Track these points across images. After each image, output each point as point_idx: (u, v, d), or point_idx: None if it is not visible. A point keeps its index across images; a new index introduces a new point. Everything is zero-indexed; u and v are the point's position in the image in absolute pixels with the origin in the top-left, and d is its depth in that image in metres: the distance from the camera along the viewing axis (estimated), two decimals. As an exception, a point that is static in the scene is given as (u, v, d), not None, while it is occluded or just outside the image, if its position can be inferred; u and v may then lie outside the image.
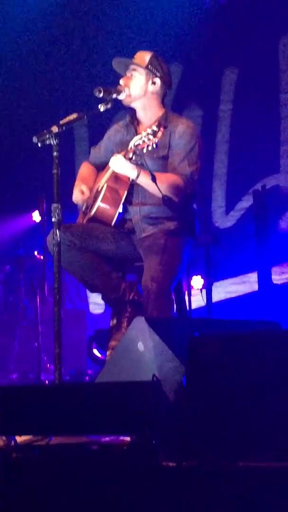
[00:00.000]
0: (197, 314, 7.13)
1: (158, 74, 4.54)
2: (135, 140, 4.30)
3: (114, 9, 8.50)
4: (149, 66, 4.52)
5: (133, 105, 4.58)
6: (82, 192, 4.60)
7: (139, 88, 4.53)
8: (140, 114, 4.62)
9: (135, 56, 4.59)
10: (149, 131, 4.24)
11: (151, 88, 4.55)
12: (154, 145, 4.25)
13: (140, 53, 4.60)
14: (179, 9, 8.13)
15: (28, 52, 8.69)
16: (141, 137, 4.26)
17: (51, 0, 8.52)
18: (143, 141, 4.25)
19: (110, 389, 3.09)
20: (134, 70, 4.53)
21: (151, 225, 4.48)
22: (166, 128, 4.41)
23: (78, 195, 4.62)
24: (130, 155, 4.31)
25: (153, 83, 4.54)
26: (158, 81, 4.54)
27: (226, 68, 8.17)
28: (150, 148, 4.26)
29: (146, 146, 4.25)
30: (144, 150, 4.27)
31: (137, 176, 4.30)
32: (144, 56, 4.56)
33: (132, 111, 4.66)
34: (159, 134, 4.24)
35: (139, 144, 4.27)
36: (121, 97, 4.48)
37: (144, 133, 4.26)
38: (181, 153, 4.46)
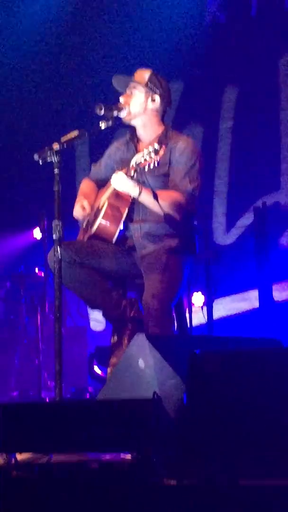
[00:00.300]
0: (198, 331, 7.11)
1: (157, 92, 4.56)
2: (137, 158, 4.31)
3: (115, 26, 8.54)
4: (149, 83, 4.55)
5: (133, 122, 4.60)
6: (83, 208, 4.61)
7: (139, 105, 4.55)
8: (140, 132, 4.64)
9: (135, 74, 4.62)
10: (150, 149, 4.25)
11: (150, 105, 4.57)
12: (156, 163, 4.26)
13: (140, 71, 4.63)
14: (180, 27, 8.16)
15: (28, 70, 8.72)
16: (143, 155, 4.27)
17: (51, 16, 8.56)
18: (145, 160, 4.25)
19: (111, 406, 3.08)
20: (134, 87, 4.55)
21: (152, 243, 4.48)
22: (166, 145, 4.43)
23: (79, 210, 4.63)
24: (132, 172, 4.32)
25: (153, 100, 4.57)
26: (157, 98, 4.57)
27: (226, 86, 8.19)
28: (151, 166, 4.26)
29: (147, 164, 4.25)
30: (146, 168, 4.28)
31: (139, 194, 4.30)
32: (144, 74, 4.59)
33: (132, 129, 4.67)
34: (161, 152, 4.25)
35: (140, 162, 4.28)
36: (122, 114, 4.50)
37: (145, 151, 4.27)
38: (182, 170, 4.47)
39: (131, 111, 4.53)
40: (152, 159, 4.23)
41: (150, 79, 4.57)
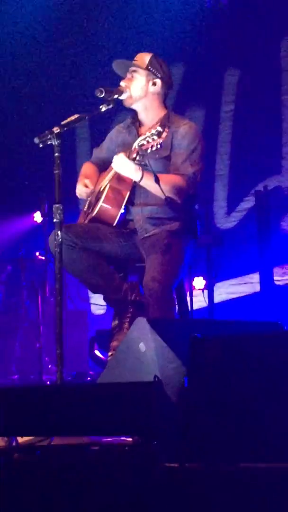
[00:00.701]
0: (199, 315, 7.13)
1: (158, 75, 4.55)
2: (139, 141, 4.30)
3: (115, 10, 8.50)
4: (149, 67, 4.54)
5: (135, 106, 4.59)
6: (86, 185, 4.61)
7: (140, 89, 4.54)
8: (141, 115, 4.63)
9: (136, 58, 4.61)
10: (153, 131, 4.24)
11: (151, 89, 4.56)
12: (159, 146, 4.25)
13: (140, 55, 4.63)
14: (180, 9, 8.12)
15: (28, 54, 8.68)
16: (146, 138, 4.26)
17: (49, 5, 8.51)
18: (147, 142, 4.25)
19: (111, 389, 3.08)
20: (134, 71, 4.55)
21: (153, 226, 4.47)
22: (169, 128, 4.42)
23: (82, 188, 4.63)
24: (134, 155, 4.31)
25: (154, 83, 4.55)
26: (158, 81, 4.56)
27: (228, 69, 8.16)
28: (154, 148, 4.26)
29: (150, 146, 4.25)
30: (148, 151, 4.27)
31: (141, 178, 4.30)
32: (144, 58, 4.59)
33: (134, 112, 4.66)
34: (164, 134, 4.24)
35: (143, 144, 4.27)
36: (123, 97, 4.49)
37: (148, 134, 4.26)
38: (184, 153, 4.46)
39: (132, 94, 4.52)
40: (155, 141, 4.23)
41: (150, 63, 4.56)
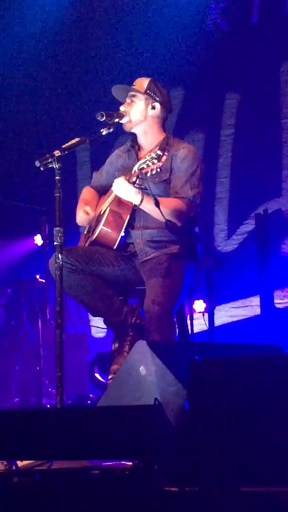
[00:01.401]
0: (199, 338, 7.11)
1: (157, 99, 4.59)
2: (139, 164, 4.32)
3: (116, 33, 8.56)
4: (148, 91, 4.58)
5: (134, 130, 4.62)
6: (87, 213, 4.62)
7: (139, 113, 4.57)
8: (141, 139, 4.65)
9: (134, 83, 4.66)
10: (153, 155, 4.26)
11: (151, 112, 4.59)
12: (159, 169, 4.27)
13: (139, 80, 4.68)
14: (181, 33, 8.17)
15: (29, 76, 8.75)
16: (145, 161, 4.29)
17: (51, 22, 8.58)
18: (147, 165, 4.27)
19: (111, 413, 3.08)
20: (134, 96, 4.58)
21: (153, 249, 4.48)
22: (168, 152, 4.44)
23: (82, 215, 4.64)
24: (134, 178, 4.33)
25: (153, 107, 4.59)
26: (157, 105, 4.59)
27: (227, 93, 8.20)
28: (154, 172, 4.28)
29: (150, 170, 4.27)
30: (148, 174, 4.30)
31: (141, 202, 4.31)
32: (143, 82, 4.63)
33: (133, 136, 4.69)
34: (164, 158, 4.27)
35: (143, 168, 4.29)
36: (123, 121, 4.52)
37: (148, 157, 4.29)
38: (183, 177, 4.47)
39: (132, 119, 4.55)
40: (154, 165, 4.25)
41: (149, 87, 4.59)
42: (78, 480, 2.91)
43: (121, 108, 4.56)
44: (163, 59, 8.19)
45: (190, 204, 4.44)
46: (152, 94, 4.58)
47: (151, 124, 4.61)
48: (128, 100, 4.59)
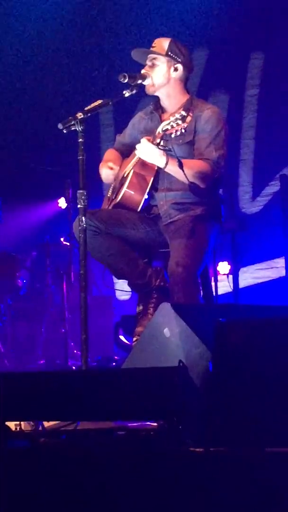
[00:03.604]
0: (224, 300, 7.12)
1: (179, 60, 4.52)
2: (164, 126, 4.29)
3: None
4: (169, 52, 4.50)
5: (157, 93, 4.56)
6: (111, 168, 4.61)
7: (162, 76, 4.50)
8: (164, 102, 4.60)
9: (154, 44, 4.55)
10: (177, 116, 4.22)
11: (173, 74, 4.53)
12: (183, 130, 4.24)
13: (159, 41, 4.57)
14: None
15: (53, 38, 8.69)
16: (169, 122, 4.25)
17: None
18: (172, 126, 4.24)
19: (136, 375, 3.09)
20: (155, 59, 4.50)
21: (177, 211, 4.46)
22: (193, 113, 4.39)
23: (107, 171, 4.63)
24: (158, 140, 4.30)
25: (175, 69, 4.52)
26: (180, 66, 4.53)
27: (252, 53, 8.10)
28: (178, 133, 4.25)
29: (174, 131, 4.24)
30: (172, 136, 4.27)
31: (166, 164, 4.28)
32: (163, 43, 4.53)
33: (156, 99, 4.64)
34: (188, 119, 4.23)
35: (167, 129, 4.26)
36: (146, 82, 4.46)
37: (172, 118, 4.25)
38: (207, 138, 4.44)
39: (154, 82, 4.49)
40: (179, 126, 4.22)
41: (170, 49, 4.51)
42: (104, 441, 2.94)
43: (143, 72, 4.50)
44: (186, 18, 8.09)
45: (215, 165, 4.40)
46: (173, 56, 4.51)
47: (174, 86, 4.56)
48: (149, 63, 4.52)
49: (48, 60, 8.76)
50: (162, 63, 4.51)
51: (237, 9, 8.00)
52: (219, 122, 4.50)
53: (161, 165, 4.31)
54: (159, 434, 2.92)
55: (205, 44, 8.14)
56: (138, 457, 2.77)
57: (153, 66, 4.50)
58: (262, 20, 7.91)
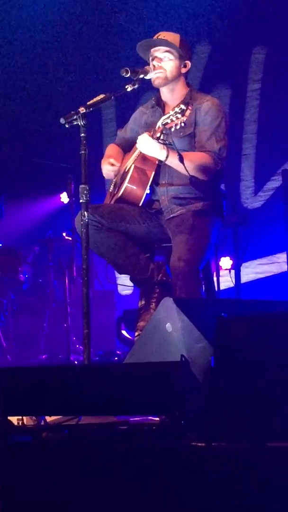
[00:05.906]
0: (226, 295, 7.12)
1: (187, 56, 4.52)
2: (163, 119, 4.29)
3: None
4: (182, 48, 4.49)
5: (165, 87, 4.54)
6: (112, 164, 4.61)
7: (175, 70, 4.50)
8: (167, 96, 4.59)
9: (162, 37, 4.51)
10: (177, 109, 4.22)
11: (183, 70, 4.53)
12: (183, 124, 4.23)
13: (168, 34, 4.53)
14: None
15: (56, 32, 8.68)
16: (169, 116, 4.25)
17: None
18: (171, 120, 4.23)
19: (138, 369, 3.09)
20: (168, 51, 4.47)
21: (179, 205, 4.47)
22: (192, 106, 4.39)
23: (108, 167, 4.63)
24: (158, 134, 4.29)
25: (185, 65, 4.52)
26: (189, 63, 4.53)
27: (254, 47, 8.09)
28: (178, 127, 4.24)
29: (174, 125, 4.23)
30: (172, 129, 4.26)
31: (166, 157, 4.28)
32: (174, 38, 4.51)
33: (157, 93, 4.63)
34: (187, 112, 4.22)
35: (167, 123, 4.25)
36: (148, 77, 4.45)
37: (172, 112, 4.25)
38: (208, 130, 4.43)
39: (168, 76, 4.47)
40: (179, 119, 4.21)
41: (182, 44, 4.50)
42: (106, 435, 2.95)
43: (154, 63, 4.46)
44: (189, 13, 8.08)
45: (217, 157, 4.40)
46: (185, 52, 4.51)
47: (179, 81, 4.56)
48: (160, 55, 4.50)
49: (50, 55, 8.76)
50: (176, 58, 4.49)
51: (239, 4, 7.99)
52: (219, 113, 4.49)
53: (162, 158, 4.31)
54: (161, 428, 2.92)
55: (207, 39, 8.13)
56: (140, 452, 2.78)
57: (169, 61, 4.48)
58: (264, 15, 7.90)
